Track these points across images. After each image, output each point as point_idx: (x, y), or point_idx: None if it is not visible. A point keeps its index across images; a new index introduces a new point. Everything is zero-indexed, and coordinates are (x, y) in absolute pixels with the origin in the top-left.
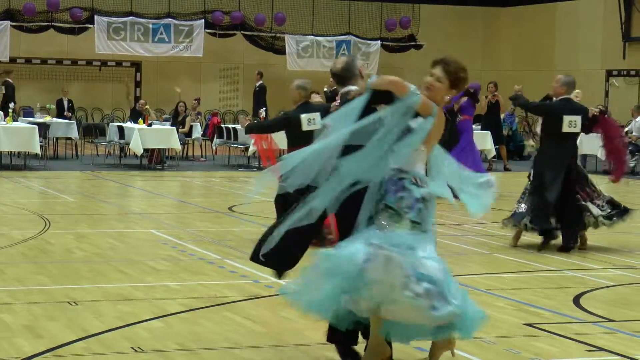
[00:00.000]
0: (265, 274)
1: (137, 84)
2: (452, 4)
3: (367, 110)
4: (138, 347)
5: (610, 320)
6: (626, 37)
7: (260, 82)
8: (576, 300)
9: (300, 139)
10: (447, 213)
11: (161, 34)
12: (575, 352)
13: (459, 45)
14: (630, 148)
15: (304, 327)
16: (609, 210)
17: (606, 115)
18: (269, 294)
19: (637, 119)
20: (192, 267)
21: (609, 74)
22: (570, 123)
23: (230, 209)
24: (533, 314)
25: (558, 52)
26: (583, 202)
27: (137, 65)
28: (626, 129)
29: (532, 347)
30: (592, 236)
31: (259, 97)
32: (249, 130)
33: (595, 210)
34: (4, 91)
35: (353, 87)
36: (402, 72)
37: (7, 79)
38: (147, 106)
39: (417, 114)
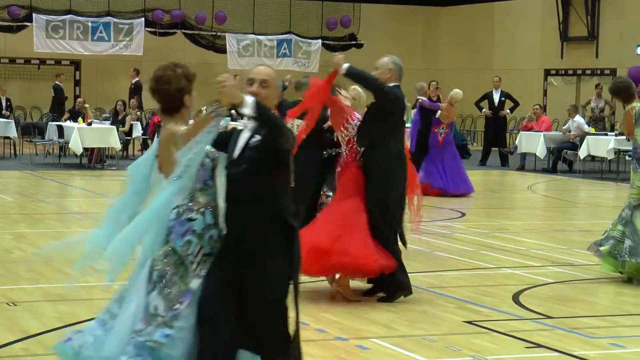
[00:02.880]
0: None
1: (77, 83)
2: (392, 4)
3: None
4: None
5: (548, 317)
6: (564, 36)
7: (137, 79)
8: (515, 298)
9: None
10: None
11: (100, 32)
12: (514, 349)
13: (399, 45)
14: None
15: None
16: None
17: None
18: None
19: (574, 119)
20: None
21: (547, 73)
22: None
23: None
24: (473, 311)
25: (497, 51)
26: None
27: (76, 63)
28: (564, 127)
29: (472, 344)
30: (530, 234)
31: (136, 94)
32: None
33: None
34: (53, 94)
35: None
36: None
37: (57, 82)
38: (86, 105)
39: None
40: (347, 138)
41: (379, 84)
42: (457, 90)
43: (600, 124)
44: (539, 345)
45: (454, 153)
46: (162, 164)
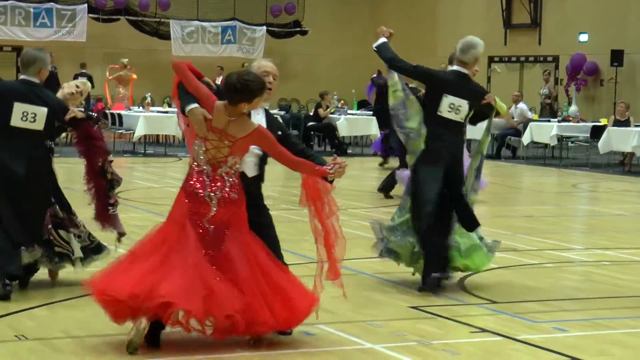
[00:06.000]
0: None
1: (19, 69)
2: None
3: None
4: (22, 335)
5: (493, 302)
6: (507, 23)
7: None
8: (460, 283)
9: None
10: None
11: (43, 18)
12: (459, 334)
13: (344, 32)
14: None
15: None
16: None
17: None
18: None
19: (518, 105)
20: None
21: (491, 60)
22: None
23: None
24: (418, 296)
25: (441, 38)
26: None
27: (18, 50)
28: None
29: (417, 329)
30: None
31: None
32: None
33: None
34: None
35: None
36: (287, 57)
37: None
38: None
39: None
40: None
41: None
42: None
43: (545, 110)
44: (483, 330)
45: None
46: None
